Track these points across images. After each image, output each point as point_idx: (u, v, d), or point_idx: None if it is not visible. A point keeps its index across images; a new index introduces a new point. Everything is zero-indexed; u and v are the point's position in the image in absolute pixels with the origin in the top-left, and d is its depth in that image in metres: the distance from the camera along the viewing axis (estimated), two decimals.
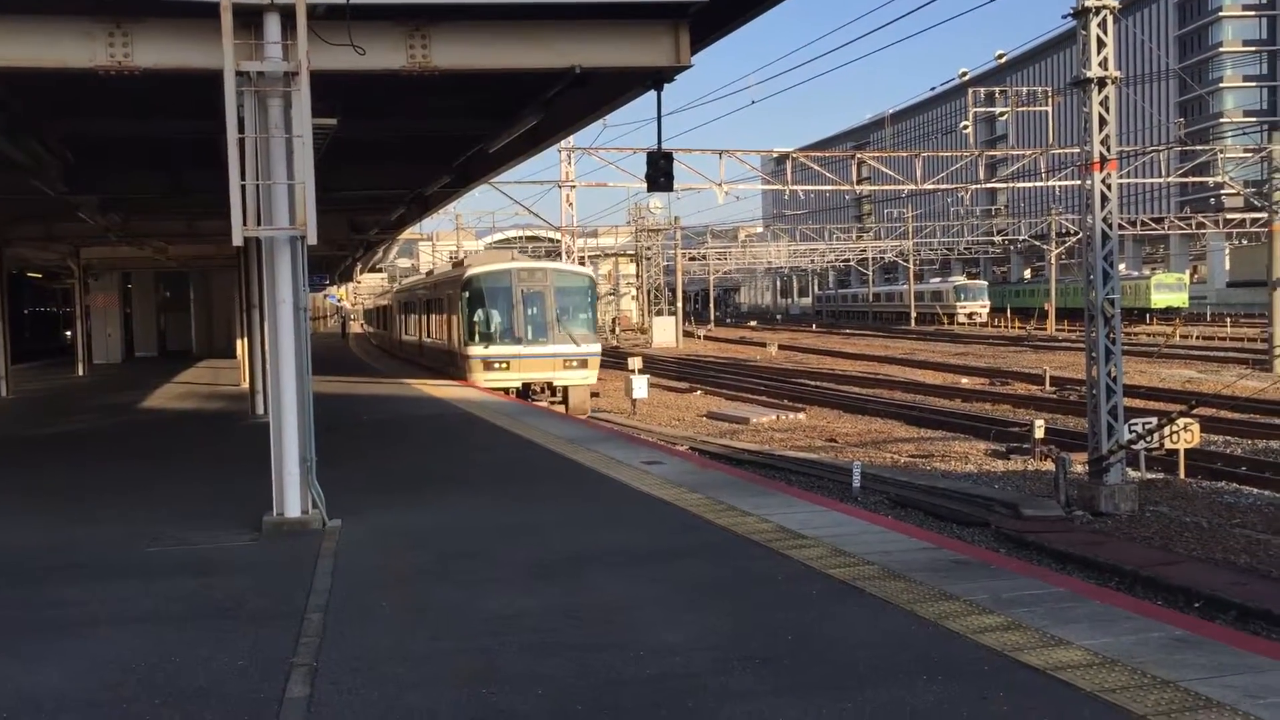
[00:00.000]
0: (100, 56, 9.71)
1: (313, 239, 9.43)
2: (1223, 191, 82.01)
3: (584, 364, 25.87)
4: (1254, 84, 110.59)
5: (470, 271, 26.73)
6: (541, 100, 12.84)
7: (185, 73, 9.92)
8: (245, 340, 23.10)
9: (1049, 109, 52.51)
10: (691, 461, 14.21)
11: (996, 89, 64.31)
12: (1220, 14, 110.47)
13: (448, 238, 79.54)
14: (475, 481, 12.49)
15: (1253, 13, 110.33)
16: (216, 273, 41.91)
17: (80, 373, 35.34)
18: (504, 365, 25.53)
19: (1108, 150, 17.80)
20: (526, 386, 25.70)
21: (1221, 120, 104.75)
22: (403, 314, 41.37)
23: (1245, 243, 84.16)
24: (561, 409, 24.55)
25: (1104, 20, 17.52)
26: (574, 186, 47.23)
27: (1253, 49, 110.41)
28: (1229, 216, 74.40)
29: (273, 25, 9.40)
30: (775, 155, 52.70)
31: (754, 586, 7.52)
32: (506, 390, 25.07)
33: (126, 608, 7.47)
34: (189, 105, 12.48)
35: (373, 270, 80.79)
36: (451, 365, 27.91)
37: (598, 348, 26.65)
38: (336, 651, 6.33)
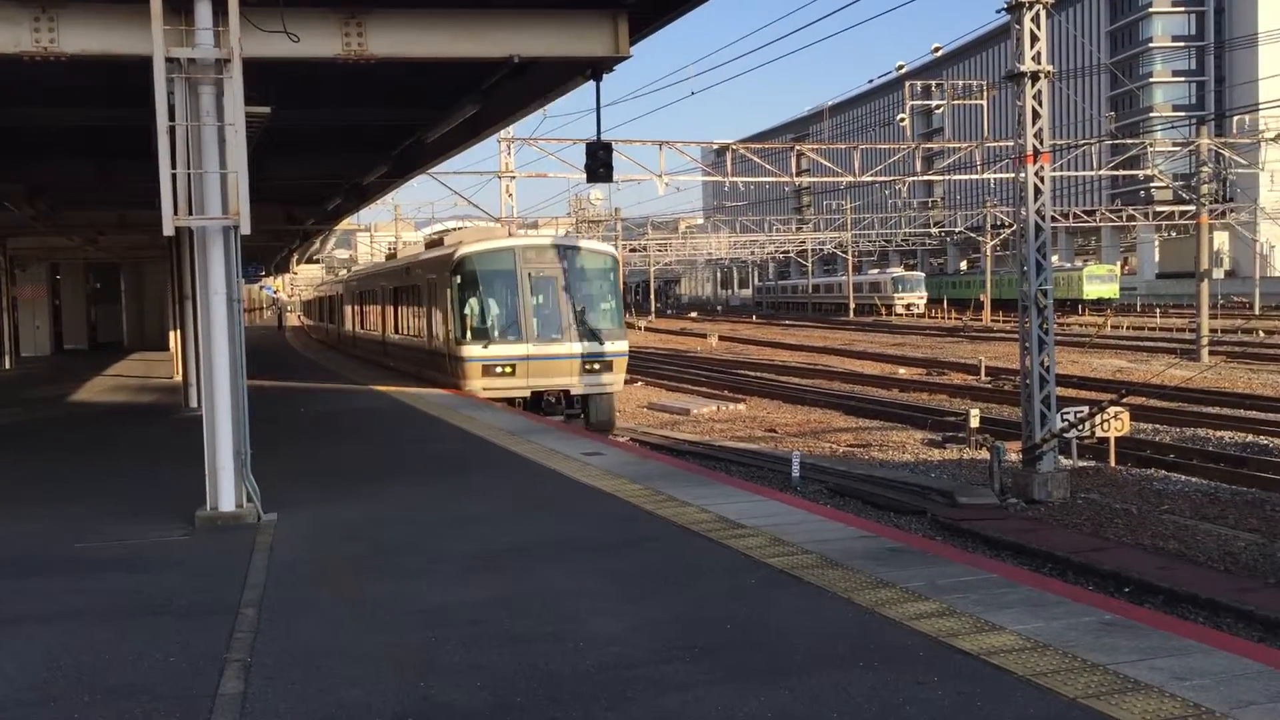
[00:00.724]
0: (25, 42, 9.49)
1: (246, 229, 9.29)
2: (1152, 185, 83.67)
3: (609, 367, 20.71)
4: (1183, 79, 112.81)
5: (463, 250, 21.12)
6: (480, 89, 12.77)
7: (113, 59, 9.73)
8: (178, 332, 22.73)
9: (984, 103, 53.19)
10: (632, 453, 14.22)
11: (933, 82, 65.03)
12: (1150, 10, 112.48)
13: (386, 228, 78.93)
14: (414, 474, 12.39)
15: (1181, 9, 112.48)
16: (149, 263, 41.15)
17: (7, 366, 34.56)
18: (508, 370, 20.30)
19: (1040, 143, 18.06)
20: (537, 396, 20.91)
21: (1151, 115, 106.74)
22: (357, 305, 35.63)
23: (1174, 235, 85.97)
24: (576, 422, 20.59)
25: (1037, 15, 17.76)
26: (514, 177, 46.99)
27: (1181, 45, 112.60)
28: (1158, 209, 76.02)
29: (204, 11, 9.23)
30: (716, 147, 52.88)
31: (694, 577, 7.54)
32: (512, 402, 20.25)
33: (54, 605, 7.31)
34: (119, 92, 12.25)
35: (310, 261, 79.89)
36: (433, 368, 22.88)
37: (625, 345, 21.21)
38: (271, 646, 6.25)
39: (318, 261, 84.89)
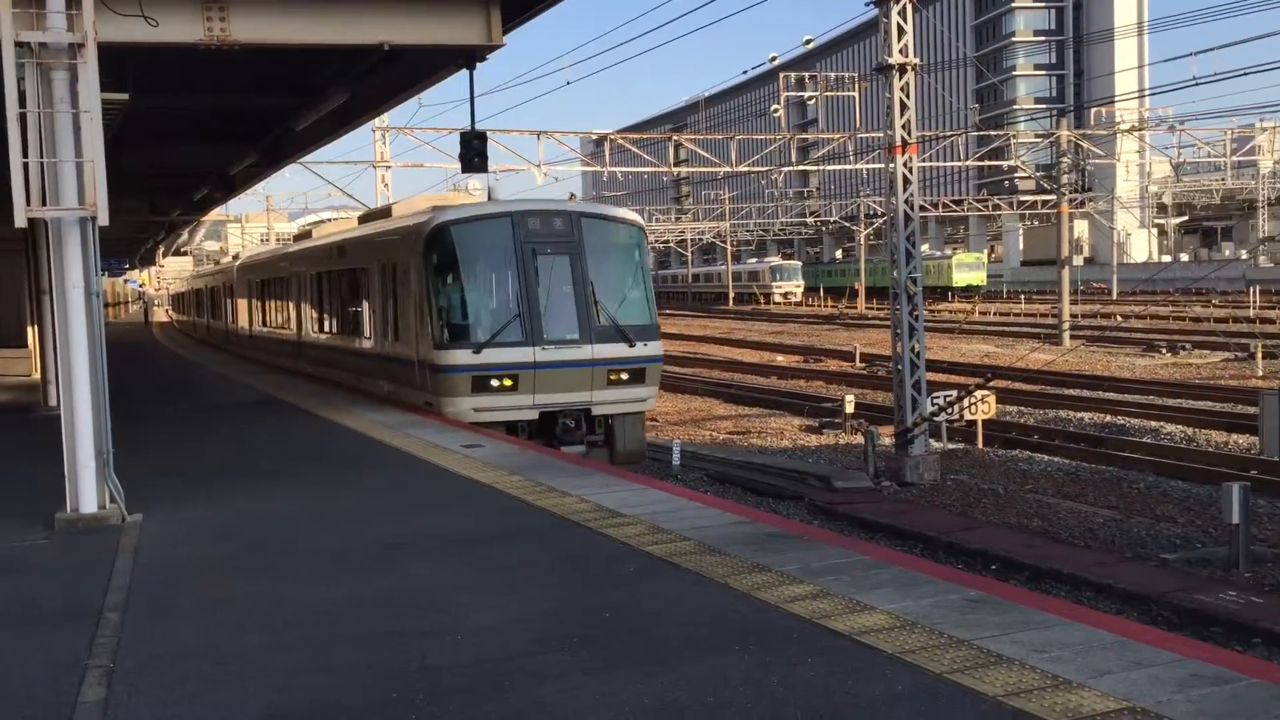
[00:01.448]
0: None
1: (104, 220, 8.96)
2: (1016, 175, 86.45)
3: (640, 376, 15.48)
4: (1044, 73, 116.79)
5: (441, 219, 15.49)
6: (351, 77, 12.54)
7: None
8: (36, 328, 21.82)
9: (856, 95, 54.25)
10: (512, 444, 14.15)
11: (807, 74, 66.08)
12: (1013, 5, 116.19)
13: (258, 219, 76.92)
14: (289, 470, 12.13)
15: (1042, 4, 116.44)
16: (3, 257, 39.35)
17: None
18: (507, 382, 14.91)
19: (909, 134, 18.51)
20: (547, 419, 15.25)
21: (1014, 107, 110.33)
22: (254, 297, 29.36)
23: (1037, 224, 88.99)
24: (598, 453, 15.27)
25: (904, 9, 18.18)
26: (389, 167, 46.25)
27: (1042, 39, 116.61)
28: (1022, 199, 78.49)
29: None
30: (594, 137, 52.89)
31: (573, 567, 7.55)
32: (511, 428, 14.92)
33: None
34: None
35: (178, 253, 77.53)
36: (389, 379, 17.61)
37: (659, 347, 15.88)
38: (136, 651, 6.05)
39: (186, 253, 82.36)
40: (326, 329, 21.68)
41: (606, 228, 15.85)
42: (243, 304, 31.47)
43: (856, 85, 55.06)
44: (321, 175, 73.93)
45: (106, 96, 9.14)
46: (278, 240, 54.70)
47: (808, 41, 42.74)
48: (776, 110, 53.57)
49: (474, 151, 12.36)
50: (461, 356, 14.80)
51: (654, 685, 5.30)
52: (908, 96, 18.36)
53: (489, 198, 16.54)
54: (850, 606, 6.32)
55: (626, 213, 16.77)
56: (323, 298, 21.83)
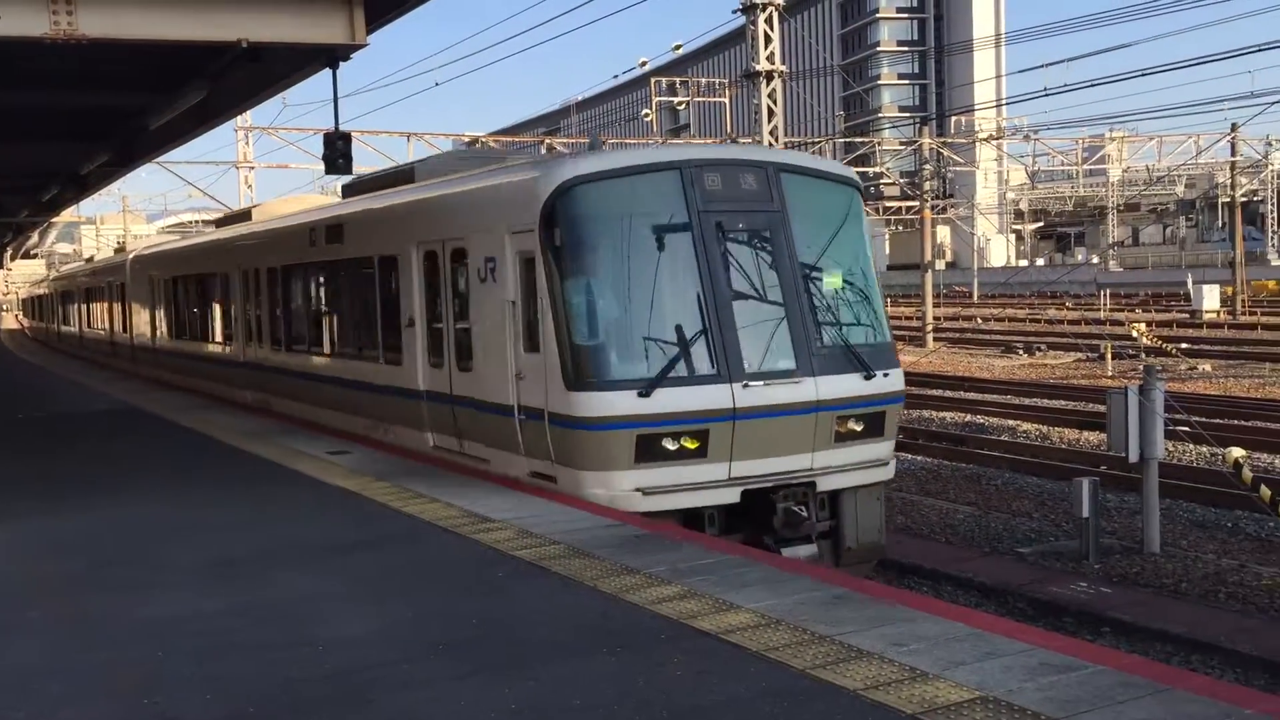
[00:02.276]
0: None
1: None
2: (882, 181, 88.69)
3: (877, 424, 10.21)
4: (907, 82, 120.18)
5: (569, 170, 9.88)
6: (208, 74, 12.17)
7: None
8: None
9: (726, 100, 54.94)
10: (379, 450, 13.92)
11: (678, 79, 66.67)
12: (878, 15, 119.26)
13: (114, 220, 74.18)
14: (144, 481, 11.70)
15: (905, 15, 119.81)
16: None
17: None
18: (690, 443, 9.42)
19: (776, 140, 18.83)
20: (752, 502, 9.64)
21: (879, 115, 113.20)
22: (166, 301, 23.32)
23: (902, 229, 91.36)
24: (809, 552, 9.92)
25: (770, 17, 18.51)
26: (253, 168, 45.11)
27: (905, 49, 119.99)
28: (888, 205, 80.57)
29: None
30: (466, 139, 52.41)
31: (440, 573, 7.46)
32: (694, 520, 9.48)
33: None
34: None
35: (27, 256, 74.27)
36: (453, 431, 11.65)
37: (901, 376, 10.54)
38: None
39: (36, 256, 79.01)
40: (304, 345, 15.80)
41: (819, 189, 10.42)
42: (143, 308, 25.46)
43: (727, 91, 55.76)
44: (181, 175, 71.34)
45: None
46: (162, 231, 49.11)
47: (677, 47, 43.17)
48: (648, 115, 53.89)
49: (338, 153, 12.11)
50: (619, 402, 9.19)
51: (522, 690, 5.26)
52: (775, 103, 18.68)
53: (591, 149, 11.23)
54: (717, 606, 6.38)
55: (840, 167, 11.35)
56: (295, 301, 16.26)
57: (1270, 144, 67.57)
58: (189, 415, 16.87)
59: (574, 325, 9.46)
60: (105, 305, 30.08)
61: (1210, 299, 45.44)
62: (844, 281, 10.30)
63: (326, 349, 15.08)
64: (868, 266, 10.53)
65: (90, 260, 38.84)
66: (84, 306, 34.43)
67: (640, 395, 9.17)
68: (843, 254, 10.38)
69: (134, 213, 72.17)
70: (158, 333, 24.10)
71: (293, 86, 14.09)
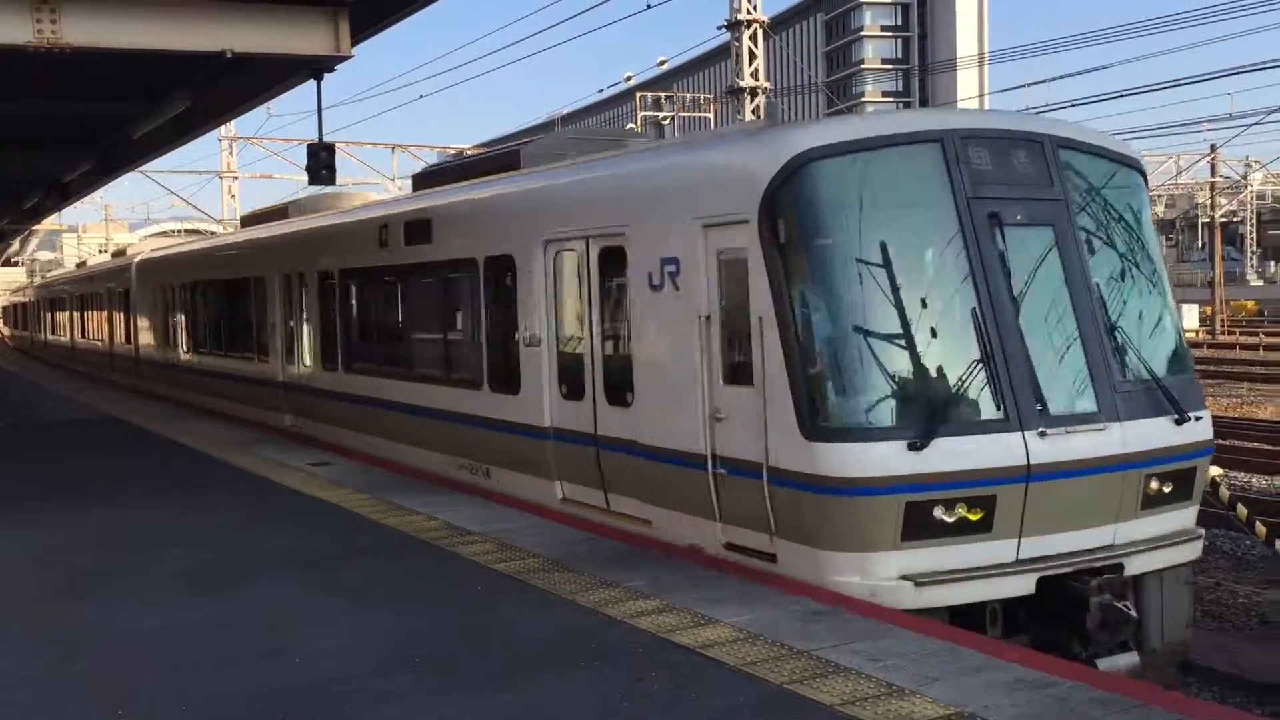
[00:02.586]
0: None
1: None
2: None
3: (1186, 484, 7.86)
4: (891, 99, 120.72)
5: (802, 141, 7.44)
6: (193, 84, 12.16)
7: None
8: None
9: (711, 115, 55.13)
10: (361, 462, 13.87)
11: (663, 94, 66.85)
12: (862, 34, 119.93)
13: (96, 229, 73.90)
14: (124, 492, 11.63)
15: (890, 33, 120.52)
16: None
17: None
18: (972, 514, 6.94)
19: None
20: (1047, 591, 7.06)
21: None
22: (181, 310, 20.78)
23: None
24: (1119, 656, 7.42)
25: (755, 34, 18.61)
26: (236, 177, 44.98)
27: (889, 68, 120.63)
28: None
29: None
30: (452, 151, 52.40)
31: (420, 585, 7.45)
32: (970, 614, 6.90)
33: None
34: None
35: (8, 264, 73.88)
36: (592, 479, 9.26)
37: (1208, 416, 8.13)
38: None
39: (18, 264, 78.62)
40: (366, 364, 13.41)
41: (1103, 171, 8.13)
42: (151, 318, 22.86)
43: (712, 107, 55.96)
44: (164, 184, 71.04)
45: None
46: (144, 239, 46.98)
47: (662, 63, 43.36)
48: (633, 129, 54.04)
49: (321, 163, 12.11)
50: (885, 458, 6.91)
51: (499, 703, 5.26)
52: (759, 119, 18.76)
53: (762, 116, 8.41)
54: (696, 620, 6.39)
55: (1119, 143, 8.59)
56: (356, 311, 13.84)
57: (1249, 165, 68.16)
58: (167, 425, 16.79)
59: (816, 351, 7.14)
60: (103, 314, 27.42)
61: (1189, 319, 45.75)
62: (1136, 289, 7.97)
63: (399, 369, 12.50)
64: (1162, 273, 8.25)
65: (83, 265, 36.14)
66: (76, 315, 31.54)
67: (910, 448, 6.82)
68: (1135, 256, 8.07)
69: (116, 221, 71.91)
70: (170, 345, 21.31)
71: (277, 97, 14.08)
